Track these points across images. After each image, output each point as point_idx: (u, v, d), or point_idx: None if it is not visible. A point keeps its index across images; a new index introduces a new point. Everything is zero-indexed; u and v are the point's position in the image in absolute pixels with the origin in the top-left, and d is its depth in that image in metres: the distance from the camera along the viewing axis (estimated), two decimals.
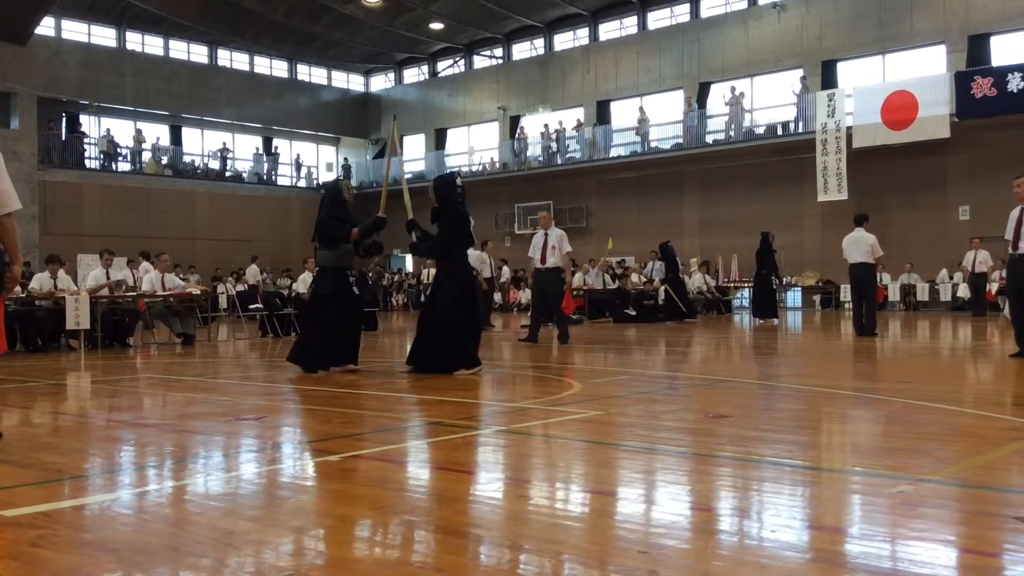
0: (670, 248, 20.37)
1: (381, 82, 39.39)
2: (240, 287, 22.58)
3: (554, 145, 31.68)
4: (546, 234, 13.16)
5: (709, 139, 28.31)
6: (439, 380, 8.08)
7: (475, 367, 8.38)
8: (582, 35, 32.93)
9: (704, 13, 29.57)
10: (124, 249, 19.98)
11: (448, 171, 9.66)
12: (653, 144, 29.60)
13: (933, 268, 24.05)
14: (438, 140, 36.14)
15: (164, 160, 32.78)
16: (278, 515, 3.38)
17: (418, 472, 4.37)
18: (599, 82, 31.46)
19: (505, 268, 28.62)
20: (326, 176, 37.62)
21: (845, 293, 21.77)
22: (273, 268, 30.64)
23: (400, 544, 3.03)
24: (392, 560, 2.84)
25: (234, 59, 35.45)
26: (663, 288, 20.19)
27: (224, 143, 34.74)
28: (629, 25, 31.67)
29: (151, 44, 33.15)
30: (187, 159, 34.02)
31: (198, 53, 34.41)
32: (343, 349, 8.69)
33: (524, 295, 26.95)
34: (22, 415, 6.66)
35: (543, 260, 13.01)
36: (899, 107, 23.51)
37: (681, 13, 30.25)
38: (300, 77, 37.37)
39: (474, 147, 34.96)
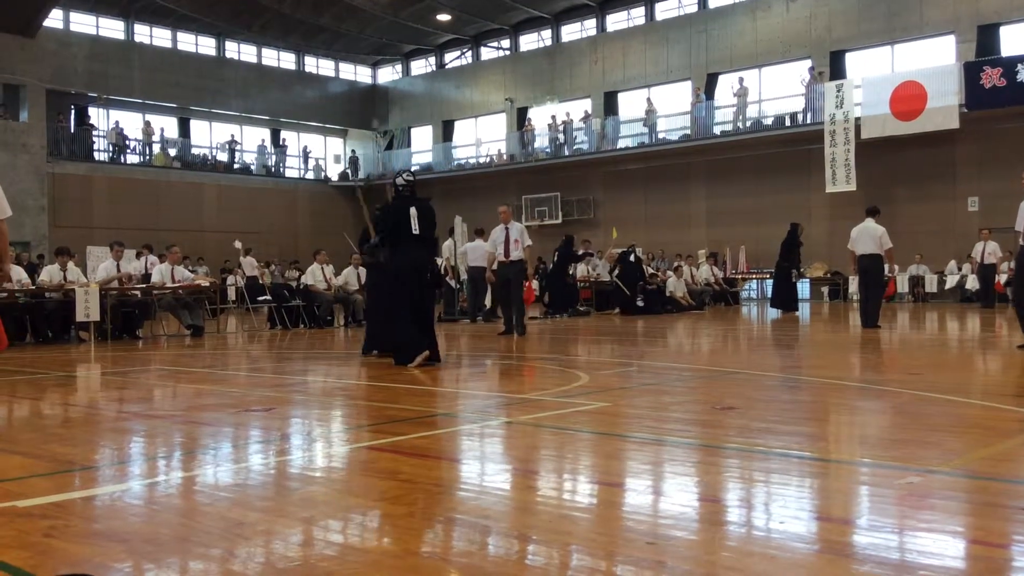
0: (570, 241, 20.22)
1: (388, 74, 39.35)
2: (238, 279, 22.63)
3: (561, 136, 31.59)
4: (507, 228, 13.34)
5: (717, 130, 28.23)
6: (448, 372, 8.10)
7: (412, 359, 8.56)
8: (589, 26, 32.82)
9: (712, 3, 29.42)
10: (133, 241, 20.03)
11: (405, 168, 10.19)
12: (661, 135, 29.50)
13: (942, 259, 23.96)
14: (445, 132, 36.11)
15: (173, 152, 32.84)
16: (287, 506, 3.39)
17: (427, 463, 4.38)
18: (606, 73, 31.37)
19: None
20: (334, 168, 37.62)
21: (854, 284, 21.68)
22: (281, 260, 30.69)
23: (408, 534, 3.04)
24: (400, 551, 2.85)
25: (242, 51, 35.44)
26: (614, 276, 20.11)
27: (232, 135, 34.77)
28: (637, 16, 31.55)
29: (159, 36, 33.16)
30: (195, 151, 34.06)
31: (206, 45, 34.41)
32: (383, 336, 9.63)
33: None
34: (32, 406, 6.70)
35: (507, 254, 13.22)
36: (908, 98, 23.39)
37: (689, 3, 30.12)
38: (307, 69, 37.33)
39: (481, 139, 34.92)
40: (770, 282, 27.22)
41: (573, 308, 19.42)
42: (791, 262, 19.04)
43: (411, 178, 9.19)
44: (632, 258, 19.74)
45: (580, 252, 20.87)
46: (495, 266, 13.55)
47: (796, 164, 26.13)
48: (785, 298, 19.10)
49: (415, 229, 8.73)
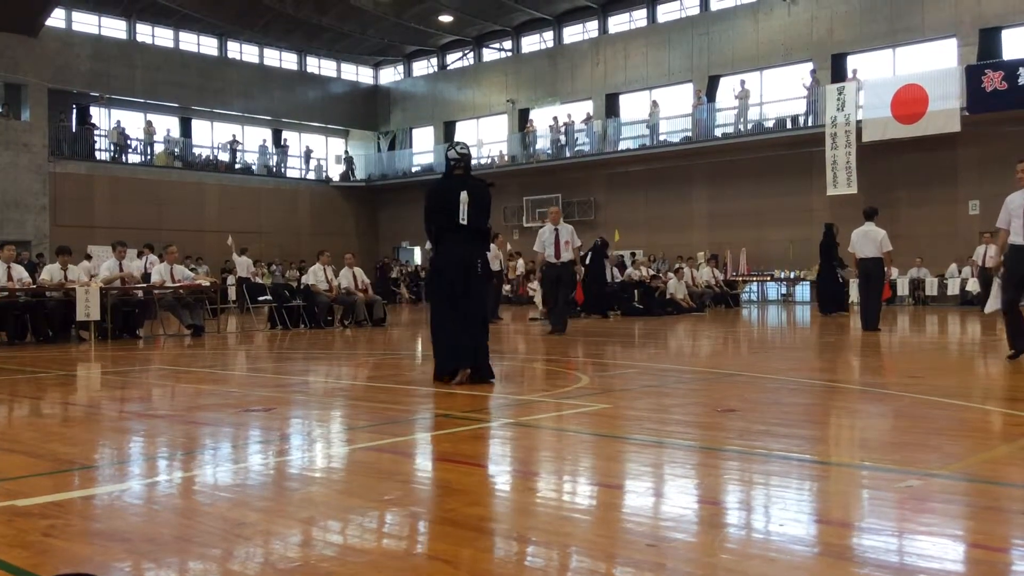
0: (600, 244, 20.17)
1: (390, 75, 39.37)
2: (231, 278, 22.67)
3: (563, 138, 31.60)
4: (556, 229, 13.16)
5: (718, 132, 28.23)
6: None
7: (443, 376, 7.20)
8: (591, 28, 32.83)
9: (714, 6, 29.44)
10: (134, 241, 20.02)
11: (458, 141, 8.08)
12: (662, 137, 29.51)
13: (942, 262, 23.95)
14: (447, 133, 36.12)
15: (175, 152, 32.85)
16: (287, 506, 3.39)
17: (426, 464, 4.39)
18: (608, 75, 31.38)
19: (520, 261, 28.60)
20: (335, 169, 37.62)
21: (855, 288, 21.61)
22: (282, 260, 30.70)
23: (408, 536, 3.05)
24: (400, 552, 2.85)
25: (244, 51, 35.46)
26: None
27: (234, 135, 34.77)
28: (639, 18, 31.56)
29: (161, 36, 33.19)
30: (197, 151, 34.08)
31: (208, 45, 34.44)
32: None
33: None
34: (33, 406, 6.70)
35: (557, 255, 13.08)
36: (909, 101, 23.38)
37: (691, 6, 30.13)
38: (309, 69, 37.35)
39: (483, 140, 34.94)
40: (771, 285, 27.33)
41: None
42: (836, 263, 18.92)
43: (465, 151, 7.48)
44: (588, 259, 19.54)
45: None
46: (543, 267, 13.36)
47: (797, 167, 26.14)
48: (833, 300, 18.84)
49: (463, 218, 7.11)
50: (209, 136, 34.90)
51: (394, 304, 28.19)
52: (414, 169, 36.40)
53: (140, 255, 16.28)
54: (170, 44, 33.34)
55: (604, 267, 19.94)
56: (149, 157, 32.08)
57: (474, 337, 7.12)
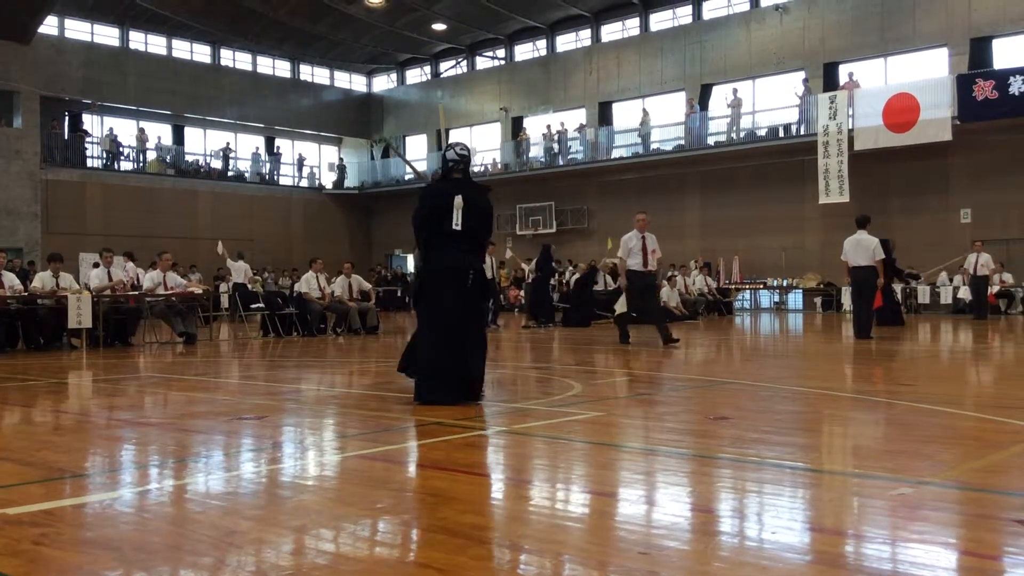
0: (547, 250, 20.11)
1: (383, 82, 39.40)
2: (224, 286, 22.63)
3: (556, 146, 31.67)
4: (643, 236, 12.68)
5: (711, 141, 28.30)
6: None
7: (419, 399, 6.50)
8: (584, 36, 32.92)
9: (706, 15, 29.56)
10: (126, 248, 19.97)
11: (458, 142, 7.07)
12: (655, 146, 29.58)
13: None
14: (440, 141, 36.14)
15: (167, 159, 32.80)
16: (279, 515, 3.38)
17: (419, 472, 4.38)
18: (601, 83, 31.45)
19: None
20: (328, 176, 37.61)
21: (847, 295, 21.61)
22: (275, 268, 30.64)
23: (401, 544, 3.04)
24: (393, 560, 2.84)
25: (237, 59, 35.45)
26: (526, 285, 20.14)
27: (227, 143, 34.75)
28: (631, 26, 31.66)
29: (154, 43, 33.16)
30: (189, 158, 34.03)
31: (201, 53, 34.42)
32: None
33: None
34: (24, 413, 6.67)
35: (646, 264, 12.62)
36: (901, 109, 23.49)
37: (683, 15, 30.25)
38: (303, 77, 37.37)
39: (476, 148, 34.95)
40: (764, 293, 27.38)
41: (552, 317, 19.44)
42: (898, 274, 18.72)
43: (464, 152, 6.76)
44: (533, 265, 19.30)
45: (554, 263, 20.77)
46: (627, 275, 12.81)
47: (790, 175, 26.22)
48: (888, 314, 18.47)
49: (456, 224, 6.46)
50: (202, 144, 34.87)
51: (387, 311, 28.14)
52: (407, 177, 36.38)
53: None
54: (163, 52, 33.32)
55: (551, 273, 19.93)
56: (141, 164, 32.03)
57: (474, 368, 6.54)
